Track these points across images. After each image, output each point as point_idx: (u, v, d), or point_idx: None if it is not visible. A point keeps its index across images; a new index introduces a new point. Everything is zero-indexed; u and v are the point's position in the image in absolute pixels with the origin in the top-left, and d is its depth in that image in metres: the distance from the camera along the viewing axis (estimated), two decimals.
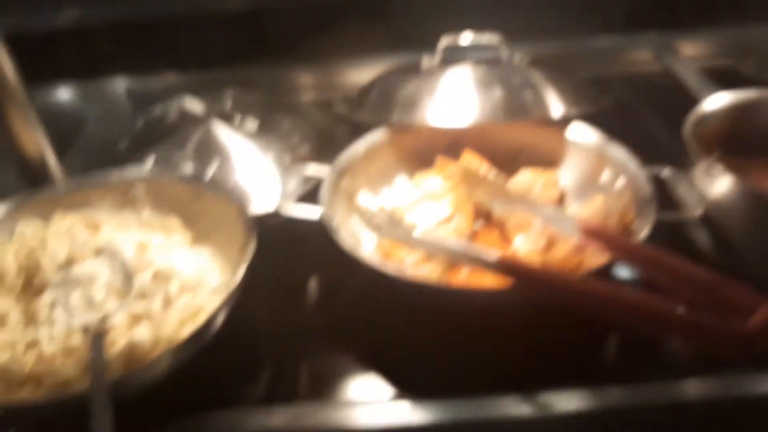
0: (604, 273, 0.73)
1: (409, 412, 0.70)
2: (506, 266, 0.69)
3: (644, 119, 1.17)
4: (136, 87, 1.30)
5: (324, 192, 0.85)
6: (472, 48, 1.00)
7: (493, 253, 0.70)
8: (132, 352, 0.69)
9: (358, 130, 1.01)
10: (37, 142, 0.90)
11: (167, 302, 0.74)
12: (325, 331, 0.82)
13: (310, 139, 1.03)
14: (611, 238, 0.73)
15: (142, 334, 0.70)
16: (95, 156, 1.07)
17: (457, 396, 0.70)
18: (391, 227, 0.79)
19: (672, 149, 0.90)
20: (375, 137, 0.95)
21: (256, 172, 0.95)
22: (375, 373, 0.75)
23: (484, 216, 0.89)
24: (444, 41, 1.00)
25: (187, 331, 0.71)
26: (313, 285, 0.89)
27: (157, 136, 1.02)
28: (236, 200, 0.83)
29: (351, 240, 0.81)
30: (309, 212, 0.83)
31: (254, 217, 0.79)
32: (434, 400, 0.70)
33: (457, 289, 0.75)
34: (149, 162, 0.94)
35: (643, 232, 0.74)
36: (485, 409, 0.69)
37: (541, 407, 0.69)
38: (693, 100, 0.96)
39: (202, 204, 0.86)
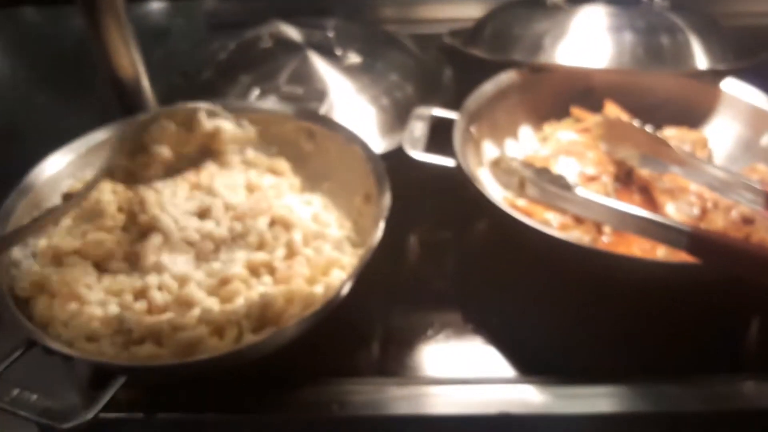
0: None
1: (535, 395, 0.61)
2: (703, 241, 0.58)
3: None
4: (216, 9, 1.17)
5: (456, 138, 0.74)
6: None
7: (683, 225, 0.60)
8: (265, 310, 0.59)
9: (466, 71, 0.91)
10: (133, 63, 0.78)
11: (291, 254, 0.64)
12: (449, 297, 0.73)
13: (416, 77, 0.92)
14: None
15: (272, 288, 0.61)
16: (176, 86, 0.94)
17: (598, 381, 0.61)
18: (542, 183, 0.68)
19: None
20: (502, 80, 0.84)
21: (360, 111, 0.84)
22: (498, 348, 0.66)
23: (622, 177, 0.79)
24: None
25: (319, 288, 0.61)
26: (441, 242, 0.79)
27: (245, 65, 0.91)
28: (360, 142, 0.72)
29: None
30: (441, 159, 0.73)
31: (383, 164, 0.68)
32: (563, 383, 0.61)
33: (644, 260, 0.64)
34: (252, 93, 0.83)
35: None
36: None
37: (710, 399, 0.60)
38: None
39: (316, 144, 0.76)
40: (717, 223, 0.71)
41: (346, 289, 0.58)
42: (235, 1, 1.18)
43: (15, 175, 0.67)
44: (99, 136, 0.72)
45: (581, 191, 0.66)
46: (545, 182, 0.68)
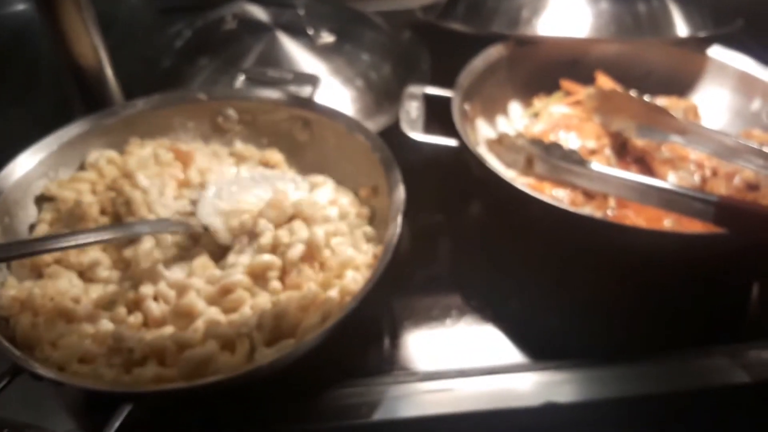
0: None
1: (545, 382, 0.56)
2: (731, 210, 0.54)
3: None
4: None
5: (456, 116, 0.68)
6: None
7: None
8: (279, 321, 0.52)
9: (440, 49, 0.85)
10: (95, 51, 0.68)
11: (310, 253, 0.57)
12: (447, 282, 0.67)
13: (391, 56, 0.86)
14: None
15: (283, 296, 0.54)
16: (135, 76, 0.81)
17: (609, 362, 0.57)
18: (553, 160, 0.63)
19: None
20: (491, 55, 0.78)
21: (335, 94, 0.76)
22: (516, 335, 0.61)
23: (617, 149, 0.74)
24: None
25: (333, 293, 0.54)
26: (434, 226, 0.73)
27: (208, 49, 0.82)
28: (363, 131, 0.64)
29: None
30: (442, 140, 0.67)
31: (391, 153, 0.62)
32: (585, 367, 0.57)
33: (663, 232, 0.60)
34: (237, 79, 0.73)
35: None
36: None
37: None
38: None
39: (312, 134, 0.68)
40: (719, 190, 0.68)
41: (363, 296, 0.50)
42: None
43: None
44: (71, 131, 0.63)
45: (596, 165, 0.62)
46: (557, 158, 0.63)
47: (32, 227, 0.59)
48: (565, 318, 0.62)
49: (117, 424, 0.42)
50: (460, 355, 0.59)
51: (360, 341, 0.60)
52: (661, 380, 0.56)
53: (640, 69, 0.81)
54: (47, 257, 0.55)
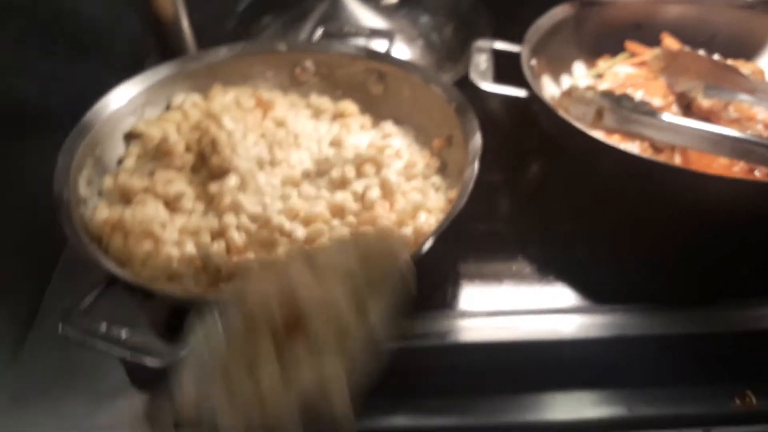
0: None
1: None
2: None
3: None
4: None
5: (525, 69, 0.66)
6: None
7: None
8: None
9: (502, 11, 0.82)
10: (174, 1, 0.68)
11: (386, 194, 0.56)
12: (506, 237, 0.64)
13: (453, 18, 0.84)
14: None
15: (363, 229, 0.53)
16: (202, 32, 0.78)
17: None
18: (624, 111, 0.61)
19: None
20: (556, 14, 0.75)
21: (397, 53, 0.74)
22: (576, 282, 0.58)
23: (682, 110, 0.71)
24: None
25: (408, 230, 0.53)
26: (493, 184, 0.70)
27: (274, 7, 0.81)
28: (440, 82, 0.62)
29: None
30: (512, 90, 0.65)
31: (468, 103, 0.60)
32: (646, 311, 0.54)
33: (740, 180, 0.57)
34: (315, 33, 0.72)
35: None
36: None
37: None
38: None
39: (387, 87, 0.66)
40: None
41: (435, 236, 0.49)
42: None
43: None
44: (158, 73, 0.62)
45: (668, 116, 0.59)
46: (628, 109, 0.60)
47: (120, 161, 0.59)
48: (624, 266, 0.59)
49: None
50: (520, 299, 0.57)
51: (425, 280, 0.58)
52: (716, 322, 0.53)
53: (704, 32, 0.77)
54: (137, 185, 0.55)
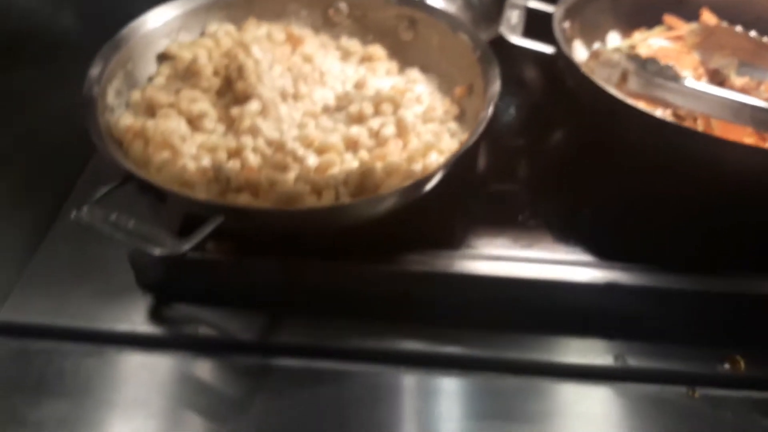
0: None
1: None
2: None
3: None
4: None
5: (556, 28, 0.66)
6: None
7: None
8: (364, 179, 0.52)
9: None
10: None
11: (401, 132, 0.57)
12: (534, 197, 0.64)
13: None
14: None
15: (372, 160, 0.54)
16: None
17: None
18: (648, 75, 0.60)
19: None
20: None
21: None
22: (584, 238, 0.58)
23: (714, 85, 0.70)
24: None
25: (417, 166, 0.54)
26: (515, 148, 0.70)
27: None
28: (467, 29, 0.63)
29: None
30: (540, 46, 0.64)
31: (492, 51, 0.60)
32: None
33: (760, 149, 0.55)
34: None
35: None
36: None
37: None
38: None
39: (417, 33, 0.67)
40: None
41: (443, 171, 0.50)
42: None
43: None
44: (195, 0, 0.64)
45: (691, 81, 0.58)
46: (652, 73, 0.60)
47: (150, 78, 0.61)
48: (630, 228, 0.59)
49: (209, 230, 0.43)
50: (526, 248, 0.57)
51: (434, 222, 0.58)
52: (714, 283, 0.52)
53: (749, 14, 0.75)
54: (163, 100, 0.57)
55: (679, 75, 0.58)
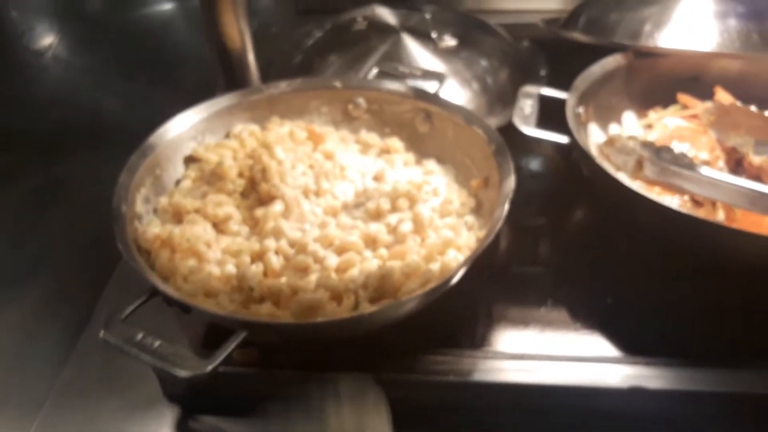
0: None
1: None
2: None
3: None
4: None
5: (569, 116, 0.66)
6: None
7: None
8: (383, 282, 0.51)
9: (559, 61, 0.82)
10: (242, 34, 0.70)
11: (417, 228, 0.56)
12: (556, 280, 0.63)
13: (509, 63, 0.84)
14: None
15: (391, 262, 0.54)
16: (269, 66, 0.83)
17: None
18: (663, 163, 0.59)
19: None
20: (608, 63, 0.75)
21: (452, 94, 0.75)
22: (608, 330, 0.57)
23: (732, 166, 0.69)
24: None
25: (435, 266, 0.53)
26: (537, 228, 0.70)
27: (338, 46, 0.83)
28: (482, 123, 0.63)
29: None
30: (554, 136, 0.65)
31: (506, 146, 0.60)
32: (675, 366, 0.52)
33: None
34: (369, 72, 0.73)
35: None
36: None
37: None
38: None
39: (432, 126, 0.67)
40: None
41: (462, 271, 0.50)
42: None
43: None
44: (220, 102, 0.65)
45: (707, 170, 0.58)
46: (667, 161, 0.59)
47: (178, 182, 0.63)
48: (660, 319, 0.57)
49: (232, 346, 0.43)
50: (550, 343, 0.56)
51: (455, 318, 0.57)
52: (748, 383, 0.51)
53: (763, 89, 0.74)
54: (189, 206, 0.58)
55: (694, 163, 0.57)
